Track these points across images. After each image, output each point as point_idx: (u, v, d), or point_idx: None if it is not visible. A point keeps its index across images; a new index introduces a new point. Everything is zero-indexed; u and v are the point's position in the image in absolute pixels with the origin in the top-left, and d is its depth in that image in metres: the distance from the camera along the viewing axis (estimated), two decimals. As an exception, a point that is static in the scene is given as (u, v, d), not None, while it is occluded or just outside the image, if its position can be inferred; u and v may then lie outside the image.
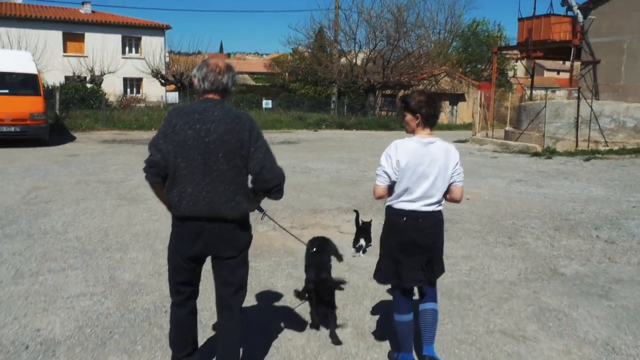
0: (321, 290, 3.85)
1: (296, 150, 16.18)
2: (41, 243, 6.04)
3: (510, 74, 42.08)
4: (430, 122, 3.28)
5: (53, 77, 31.40)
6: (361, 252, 5.98)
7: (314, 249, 4.04)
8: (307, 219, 7.53)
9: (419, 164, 3.22)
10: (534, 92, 30.65)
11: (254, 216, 3.12)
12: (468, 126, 33.70)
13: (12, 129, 15.05)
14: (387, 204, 3.39)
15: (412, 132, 3.33)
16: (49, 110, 23.24)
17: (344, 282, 4.07)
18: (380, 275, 3.48)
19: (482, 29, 44.04)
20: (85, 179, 10.41)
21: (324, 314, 3.90)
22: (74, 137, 19.18)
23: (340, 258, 4.17)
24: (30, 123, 15.30)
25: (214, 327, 3.86)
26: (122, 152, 15.10)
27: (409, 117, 3.30)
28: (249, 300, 4.30)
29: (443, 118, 36.12)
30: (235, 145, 2.88)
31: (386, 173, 3.27)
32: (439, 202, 3.32)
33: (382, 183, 3.32)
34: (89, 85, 29.96)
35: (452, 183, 3.33)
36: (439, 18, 44.96)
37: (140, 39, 39.72)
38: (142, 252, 5.80)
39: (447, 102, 36.94)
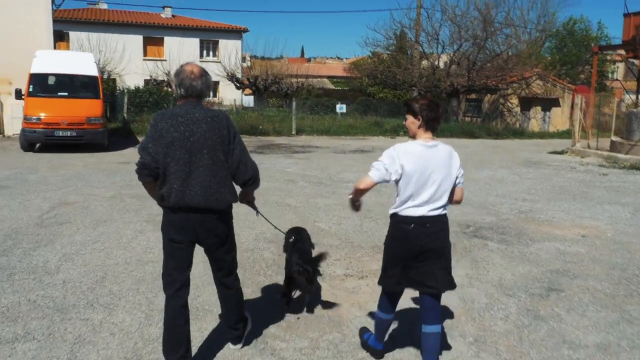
0: (306, 273, 4.06)
1: (368, 161, 14.17)
2: (15, 289, 4.64)
3: (613, 76, 38.00)
4: (431, 125, 3.29)
5: (133, 80, 31.59)
6: None
7: (292, 238, 4.41)
8: (368, 263, 5.71)
9: (425, 168, 3.21)
10: (632, 96, 26.98)
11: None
12: (562, 134, 30.46)
13: (68, 133, 14.24)
14: (392, 211, 3.35)
15: (413, 135, 3.34)
16: (118, 114, 23.07)
17: (325, 258, 4.40)
18: (386, 282, 3.43)
19: (579, 27, 40.13)
20: (123, 192, 9.16)
21: (307, 293, 4.28)
22: (137, 141, 18.36)
23: (312, 246, 4.51)
24: (87, 127, 14.45)
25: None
26: (178, 159, 13.92)
27: (410, 119, 3.32)
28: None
29: (534, 125, 33.05)
30: (216, 142, 3.24)
31: (387, 170, 3.23)
32: (444, 206, 3.31)
33: (376, 177, 3.26)
34: (167, 89, 29.78)
35: (455, 185, 3.35)
36: (531, 16, 41.31)
37: (217, 42, 39.52)
38: (133, 312, 4.25)
39: (539, 108, 33.69)
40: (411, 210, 3.23)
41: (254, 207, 3.73)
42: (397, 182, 3.27)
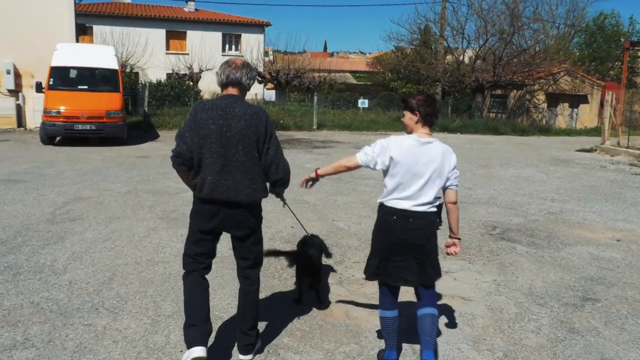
0: (312, 263, 4.18)
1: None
2: (19, 290, 4.46)
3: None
4: (428, 120, 3.29)
5: (155, 74, 31.59)
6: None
7: (309, 234, 4.38)
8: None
9: (414, 162, 3.21)
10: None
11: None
12: (590, 132, 29.68)
13: (88, 126, 14.15)
14: (380, 200, 3.37)
15: (411, 131, 3.33)
16: (139, 107, 23.01)
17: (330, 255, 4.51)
18: (369, 271, 3.44)
19: (609, 22, 39.03)
20: (139, 187, 8.99)
21: (314, 287, 4.34)
22: (158, 135, 18.28)
23: (328, 254, 4.46)
24: (106, 121, 14.35)
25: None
26: (197, 154, 13.74)
27: (407, 115, 3.33)
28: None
29: (561, 122, 32.24)
30: (252, 139, 3.25)
31: (374, 158, 3.29)
32: (430, 203, 3.27)
33: (361, 160, 3.34)
34: (189, 83, 29.77)
35: (447, 187, 3.33)
36: (560, 11, 40.35)
37: (240, 36, 39.36)
38: (138, 317, 4.02)
39: (567, 105, 32.84)
40: (396, 202, 3.25)
41: (282, 199, 3.76)
42: (384, 172, 3.31)
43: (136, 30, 33.71)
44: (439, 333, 3.75)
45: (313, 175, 3.63)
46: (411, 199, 3.22)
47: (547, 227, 7.23)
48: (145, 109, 21.47)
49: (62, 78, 14.82)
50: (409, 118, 3.31)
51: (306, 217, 7.32)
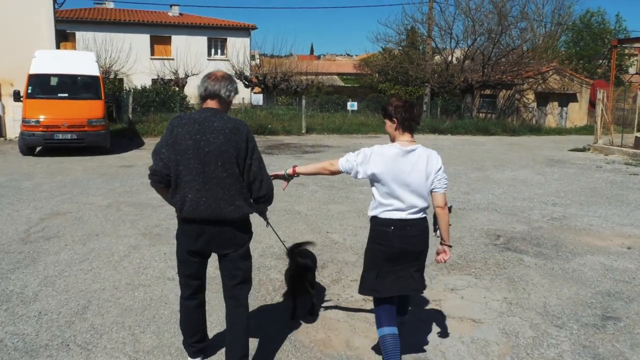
0: (303, 273, 4.02)
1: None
2: (-19, 324, 4.00)
3: (632, 70, 36.85)
4: (407, 126, 3.22)
5: (140, 80, 31.04)
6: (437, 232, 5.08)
7: (296, 245, 4.25)
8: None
9: (400, 171, 3.15)
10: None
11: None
12: (580, 130, 29.56)
13: (69, 136, 13.60)
14: (372, 213, 3.27)
15: (393, 139, 3.27)
16: (124, 115, 22.44)
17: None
18: (364, 287, 3.30)
19: (596, 20, 39.02)
20: (121, 200, 8.53)
21: (306, 295, 4.11)
22: (143, 143, 17.77)
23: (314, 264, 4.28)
24: (88, 130, 13.79)
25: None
26: (183, 162, 13.26)
27: (387, 123, 3.27)
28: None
29: (551, 121, 32.10)
30: (232, 154, 3.05)
31: (355, 167, 3.23)
32: (423, 210, 3.23)
33: (343, 167, 3.29)
34: (175, 88, 29.25)
35: (432, 190, 3.23)
36: (546, 10, 40.14)
37: (225, 40, 38.91)
38: (114, 354, 3.55)
39: (556, 104, 32.69)
40: (390, 213, 3.18)
41: (265, 218, 3.52)
42: (371, 182, 3.24)
43: (119, 36, 33.16)
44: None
45: (290, 171, 3.51)
46: (405, 209, 3.16)
47: (553, 234, 6.87)
48: (130, 115, 20.92)
49: (41, 86, 14.24)
50: (388, 126, 3.26)
51: (298, 229, 6.91)
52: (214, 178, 3.02)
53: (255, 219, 3.32)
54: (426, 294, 4.35)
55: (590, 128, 27.70)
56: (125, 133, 19.22)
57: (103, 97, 14.67)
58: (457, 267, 5.49)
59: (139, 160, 13.36)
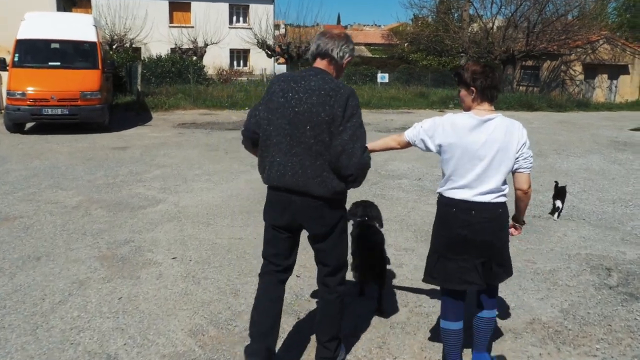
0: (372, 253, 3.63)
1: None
2: None
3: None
4: (487, 95, 2.78)
5: (158, 49, 29.37)
6: (556, 215, 4.89)
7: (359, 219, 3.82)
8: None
9: (472, 143, 2.70)
10: None
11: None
12: (632, 106, 26.90)
13: (59, 111, 11.82)
14: (438, 190, 2.92)
15: (468, 108, 2.83)
16: (135, 86, 20.63)
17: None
18: (425, 273, 2.99)
19: (650, -16, 35.75)
20: (95, 197, 6.72)
21: (378, 282, 3.69)
22: (150, 118, 15.99)
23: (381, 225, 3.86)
24: (81, 104, 11.97)
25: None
26: (189, 142, 11.39)
27: (463, 92, 2.85)
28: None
29: (599, 95, 29.38)
30: (324, 120, 2.65)
31: (422, 140, 2.84)
32: (498, 191, 2.74)
33: (410, 137, 2.91)
34: (193, 58, 27.45)
35: (516, 170, 2.78)
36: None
37: (248, 7, 37.00)
38: None
39: (605, 76, 29.91)
40: (454, 191, 2.77)
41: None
42: (441, 158, 2.80)
43: (136, 2, 31.26)
44: None
45: None
46: (471, 187, 2.72)
47: (681, 264, 4.83)
48: (139, 87, 19.09)
49: (29, 53, 12.41)
50: (464, 95, 2.81)
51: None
52: (302, 143, 2.67)
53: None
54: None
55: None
56: (132, 107, 17.45)
57: (101, 67, 12.79)
58: (567, 336, 3.50)
59: (138, 140, 11.54)
